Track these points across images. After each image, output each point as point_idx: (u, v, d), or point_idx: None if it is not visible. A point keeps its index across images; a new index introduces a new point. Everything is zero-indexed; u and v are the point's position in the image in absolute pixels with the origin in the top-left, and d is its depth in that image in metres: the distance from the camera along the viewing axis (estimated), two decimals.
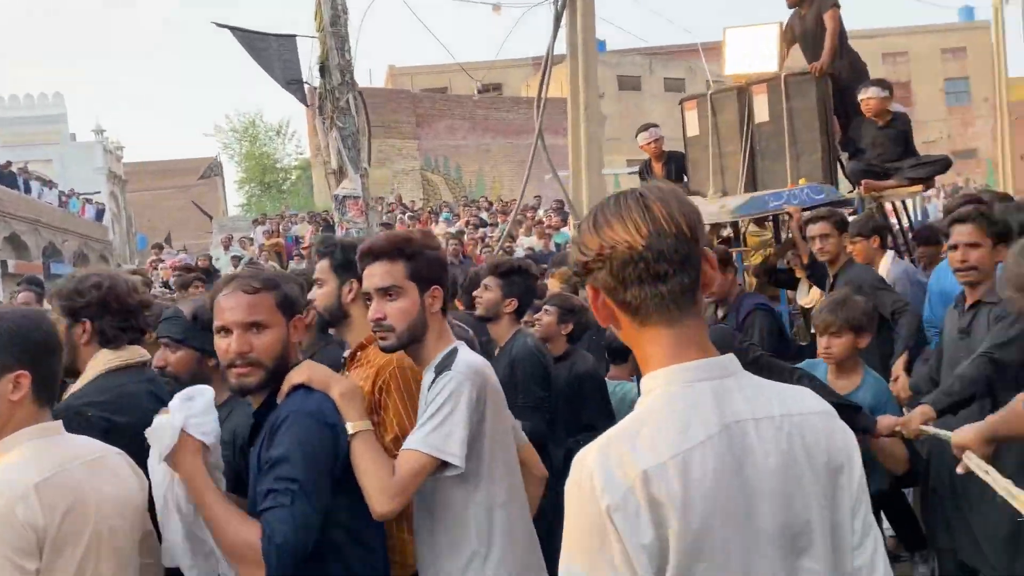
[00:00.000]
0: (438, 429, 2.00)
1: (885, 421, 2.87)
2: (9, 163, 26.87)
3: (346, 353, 2.63)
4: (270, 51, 7.05)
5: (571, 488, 1.15)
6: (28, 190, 27.60)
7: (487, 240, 14.24)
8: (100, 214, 34.27)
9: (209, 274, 11.09)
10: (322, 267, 2.57)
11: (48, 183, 30.42)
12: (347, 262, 2.49)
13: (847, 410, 2.79)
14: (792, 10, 6.65)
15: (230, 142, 41.40)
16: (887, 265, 4.85)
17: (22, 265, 24.71)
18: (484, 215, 18.86)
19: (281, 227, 19.57)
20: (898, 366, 4.06)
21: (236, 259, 15.86)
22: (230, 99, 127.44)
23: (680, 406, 1.17)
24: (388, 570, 2.17)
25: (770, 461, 1.17)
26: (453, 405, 2.02)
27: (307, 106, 7.84)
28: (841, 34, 6.30)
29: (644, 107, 29.23)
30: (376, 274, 2.15)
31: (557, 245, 12.55)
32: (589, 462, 1.14)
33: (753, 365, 2.72)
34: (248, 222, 25.94)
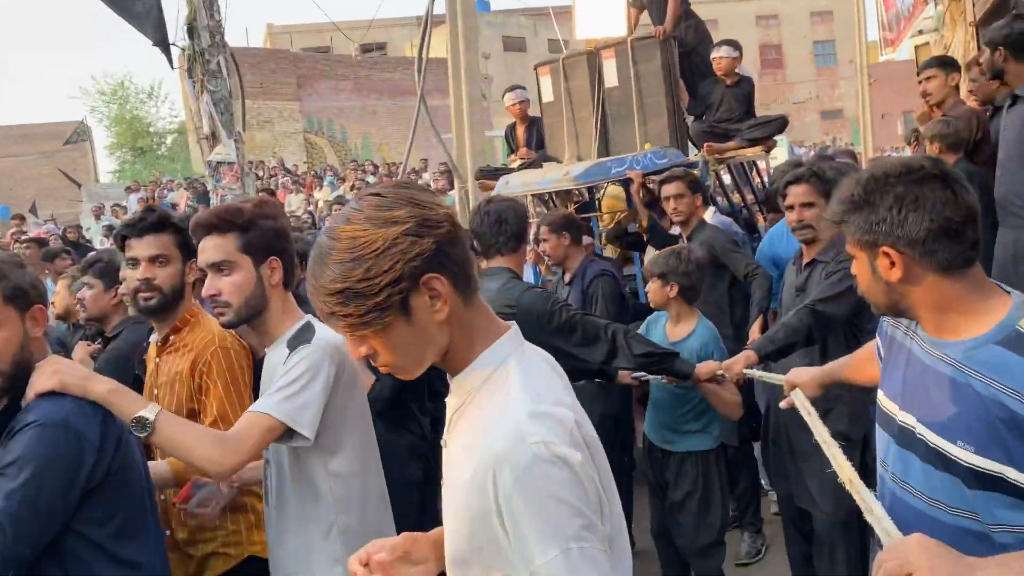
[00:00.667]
0: (292, 398, 1.96)
1: (706, 367, 2.99)
2: None
3: (153, 338, 2.55)
4: (137, 8, 6.73)
5: (534, 465, 1.13)
6: None
7: None
8: None
9: (77, 246, 10.60)
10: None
11: None
12: (188, 241, 2.37)
13: (665, 358, 2.95)
14: None
15: (98, 105, 39.07)
16: (708, 221, 4.88)
17: None
18: (370, 179, 18.64)
19: (156, 194, 18.78)
20: (754, 329, 4.12)
21: (108, 228, 15.17)
22: (96, 62, 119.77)
23: (537, 366, 1.32)
24: None
25: None
26: (310, 378, 1.99)
27: (172, 68, 7.52)
28: None
29: (529, 68, 29.31)
30: (207, 249, 2.08)
31: None
32: (539, 433, 1.15)
33: (567, 324, 2.86)
34: (121, 189, 24.70)
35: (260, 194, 9.41)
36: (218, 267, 2.07)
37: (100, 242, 12.96)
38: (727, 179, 7.21)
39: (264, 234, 2.09)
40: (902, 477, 1.63)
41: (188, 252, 2.42)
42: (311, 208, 15.65)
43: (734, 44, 6.11)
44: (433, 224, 1.22)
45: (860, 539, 3.12)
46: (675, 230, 4.79)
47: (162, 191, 19.35)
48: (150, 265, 2.41)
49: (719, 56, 6.05)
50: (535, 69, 7.26)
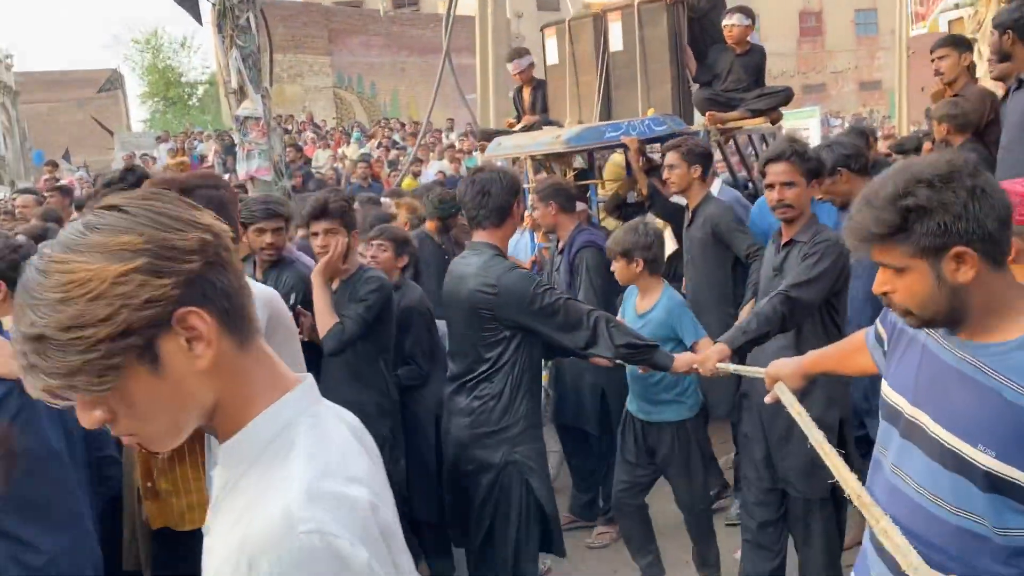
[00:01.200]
0: None
1: (682, 361, 2.95)
2: None
3: None
4: None
5: (301, 562, 0.88)
6: None
7: (398, 164, 14.20)
8: None
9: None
10: None
11: None
12: None
13: (644, 350, 2.94)
14: None
15: (131, 54, 39.28)
16: (714, 194, 4.68)
17: None
18: (396, 136, 18.68)
19: (186, 145, 18.96)
20: (745, 311, 3.98)
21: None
22: (131, 10, 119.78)
23: (333, 431, 1.06)
24: None
25: None
26: None
27: (200, 24, 7.58)
28: None
29: None
30: None
31: (467, 169, 12.65)
32: (315, 520, 0.90)
33: (549, 308, 2.85)
34: (152, 138, 24.94)
35: (284, 149, 9.50)
36: None
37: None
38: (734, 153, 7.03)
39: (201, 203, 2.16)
40: (903, 469, 1.63)
41: None
42: (336, 164, 15.74)
43: (747, 12, 5.87)
44: (178, 257, 0.92)
45: (836, 516, 3.15)
46: (682, 200, 4.65)
47: (192, 142, 19.52)
48: None
49: (731, 24, 5.81)
50: (541, 30, 7.08)
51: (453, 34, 9.69)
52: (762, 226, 4.28)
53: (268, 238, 3.61)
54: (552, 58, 6.80)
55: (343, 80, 30.00)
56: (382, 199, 6.89)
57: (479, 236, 3.05)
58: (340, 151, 17.74)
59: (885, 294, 1.57)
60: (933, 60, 4.58)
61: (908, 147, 6.37)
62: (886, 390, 1.71)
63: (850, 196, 3.49)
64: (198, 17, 7.25)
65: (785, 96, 5.91)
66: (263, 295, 2.13)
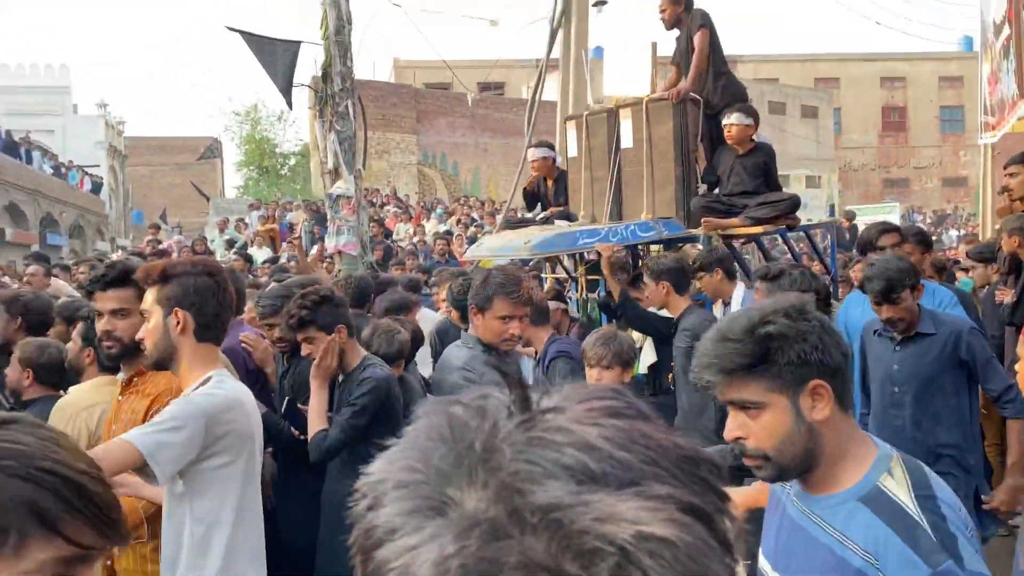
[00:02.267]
0: (156, 434, 2.08)
1: None
2: (9, 132, 27.04)
3: (120, 376, 2.78)
4: (275, 55, 7.44)
5: None
6: (29, 160, 27.83)
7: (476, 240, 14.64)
8: (97, 187, 34.47)
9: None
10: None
11: (49, 154, 30.66)
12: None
13: None
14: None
15: (231, 124, 41.71)
16: (739, 297, 4.57)
17: (20, 234, 24.97)
18: (475, 214, 19.28)
19: (276, 213, 19.95)
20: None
21: (230, 242, 16.27)
22: (235, 84, 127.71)
23: None
24: None
25: None
26: (180, 423, 2.10)
27: (290, 108, 8.21)
28: (715, 56, 5.85)
29: None
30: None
31: None
32: None
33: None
34: (244, 205, 26.26)
35: (370, 224, 10.01)
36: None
37: (222, 255, 13.94)
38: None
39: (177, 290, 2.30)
40: None
41: None
42: (416, 239, 16.36)
43: (748, 110, 5.60)
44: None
45: None
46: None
47: (282, 211, 20.51)
48: (112, 317, 2.63)
49: (729, 123, 5.52)
50: (564, 122, 7.06)
51: (537, 118, 10.11)
52: (843, 321, 4.17)
53: (277, 332, 3.77)
54: (572, 150, 6.70)
55: (428, 157, 31.23)
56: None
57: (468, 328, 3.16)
58: (421, 225, 18.42)
59: (738, 440, 1.48)
60: (1004, 176, 4.70)
61: (986, 255, 6.36)
62: (760, 555, 1.67)
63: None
64: (289, 104, 7.85)
65: (791, 204, 5.55)
66: (229, 399, 2.26)
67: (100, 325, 2.64)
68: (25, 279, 7.13)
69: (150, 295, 2.30)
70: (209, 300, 2.30)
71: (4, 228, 24.08)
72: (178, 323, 2.26)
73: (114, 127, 38.29)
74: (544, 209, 7.05)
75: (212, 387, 2.23)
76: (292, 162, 41.77)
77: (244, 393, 2.36)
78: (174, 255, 10.85)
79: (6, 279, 11.94)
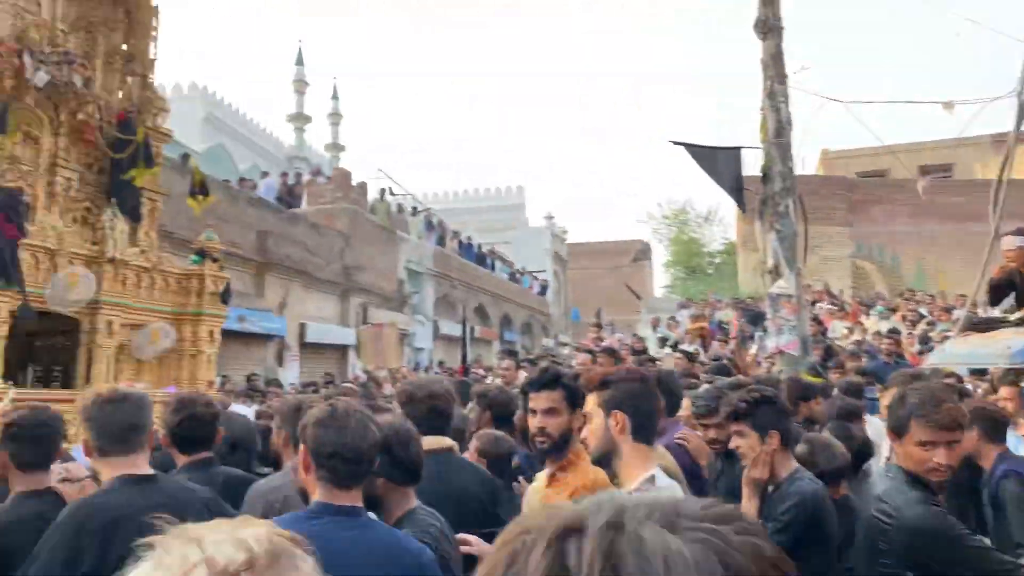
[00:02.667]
0: None
1: None
2: (480, 245, 32.02)
3: (545, 472, 2.94)
4: (716, 161, 7.76)
5: None
6: (492, 268, 32.54)
7: (930, 340, 13.23)
8: (544, 290, 38.74)
9: (639, 354, 12.08)
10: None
11: (506, 262, 35.45)
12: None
13: None
14: None
15: (660, 227, 43.98)
16: None
17: (485, 331, 29.12)
18: (923, 310, 17.46)
19: (706, 311, 20.29)
20: None
21: (662, 340, 16.91)
22: (662, 190, 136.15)
23: None
24: None
25: None
26: None
27: (744, 212, 8.35)
28: None
29: None
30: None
31: None
32: None
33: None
34: (672, 303, 27.25)
35: (809, 323, 9.63)
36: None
37: (654, 350, 14.52)
38: None
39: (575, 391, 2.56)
40: None
41: (575, 404, 2.85)
42: (854, 337, 15.29)
43: None
44: None
45: None
46: None
47: (711, 309, 20.81)
48: (544, 416, 2.87)
49: None
50: None
51: (1004, 201, 8.94)
52: None
53: (711, 432, 3.90)
54: None
55: (862, 250, 29.34)
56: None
57: None
58: (860, 322, 17.21)
59: None
60: None
61: None
62: None
63: None
64: (742, 206, 8.02)
65: None
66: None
67: (533, 422, 2.93)
68: (499, 372, 8.16)
69: (592, 399, 2.55)
70: (643, 403, 2.52)
71: (475, 326, 28.17)
72: (617, 424, 2.48)
73: (558, 236, 42.90)
74: (1020, 305, 6.28)
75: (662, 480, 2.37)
76: (718, 260, 42.43)
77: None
78: (618, 351, 11.57)
79: (480, 371, 13.87)
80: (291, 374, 16.49)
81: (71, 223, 6.61)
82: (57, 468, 3.08)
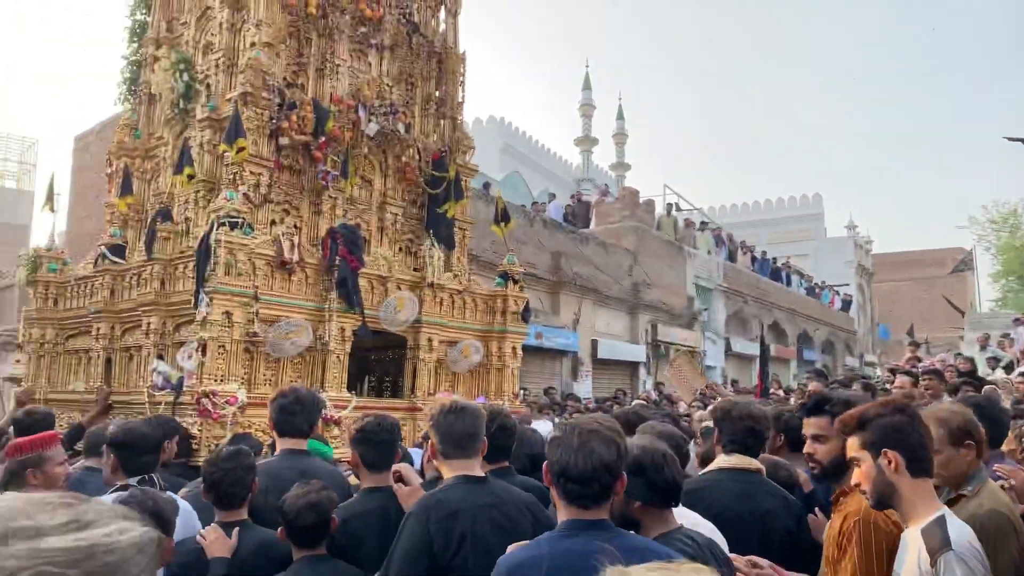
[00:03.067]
0: None
1: None
2: (774, 258, 30.70)
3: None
4: None
5: None
6: (788, 282, 30.97)
7: None
8: (847, 305, 36.07)
9: (967, 376, 10.82)
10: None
11: (804, 276, 33.57)
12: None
13: None
14: None
15: (986, 233, 38.97)
16: None
17: (781, 349, 27.77)
18: None
19: None
20: None
21: (993, 360, 14.89)
22: (991, 192, 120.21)
23: None
24: None
25: None
26: None
27: None
28: None
29: None
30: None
31: None
32: None
33: None
34: (1003, 319, 24.00)
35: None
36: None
37: (983, 371, 12.86)
38: None
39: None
40: None
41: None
42: None
43: None
44: None
45: None
46: None
47: None
48: (813, 442, 2.99)
49: None
50: None
51: None
52: None
53: None
54: None
55: None
56: None
57: None
58: None
59: None
60: None
61: None
62: None
63: None
64: None
65: None
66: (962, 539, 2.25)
67: (806, 448, 3.05)
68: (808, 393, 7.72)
69: (853, 442, 2.45)
70: (911, 435, 2.39)
71: (770, 344, 27.00)
72: (890, 463, 2.36)
73: (862, 246, 39.79)
74: None
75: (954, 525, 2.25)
76: None
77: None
78: (942, 372, 10.48)
79: (779, 392, 13.33)
80: (584, 389, 17.00)
81: (397, 253, 7.50)
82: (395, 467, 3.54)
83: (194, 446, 5.58)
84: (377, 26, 7.47)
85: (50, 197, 7.51)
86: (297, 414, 3.80)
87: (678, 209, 26.24)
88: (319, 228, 6.84)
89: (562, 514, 2.19)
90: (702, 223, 26.40)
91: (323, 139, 6.80)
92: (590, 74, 44.24)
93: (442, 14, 8.28)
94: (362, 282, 6.76)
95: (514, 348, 7.90)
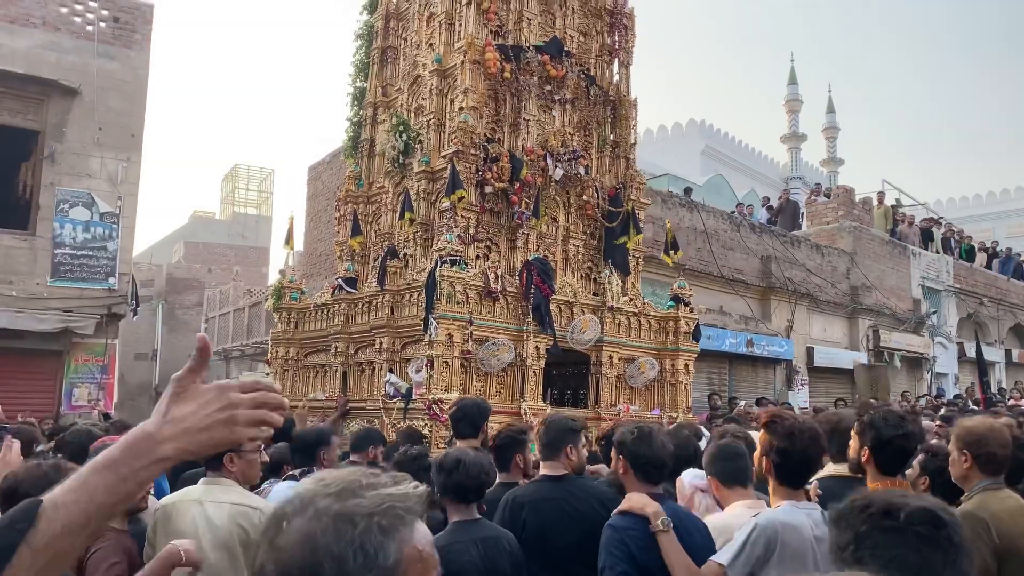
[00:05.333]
0: None
1: None
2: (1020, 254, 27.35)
3: None
4: None
5: None
6: None
7: None
8: None
9: None
10: None
11: None
12: None
13: None
14: None
15: None
16: None
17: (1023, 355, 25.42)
18: None
19: None
20: None
21: None
22: None
23: None
24: None
25: None
26: None
27: None
28: None
29: None
30: None
31: None
32: None
33: None
34: None
35: None
36: None
37: None
38: None
39: None
40: None
41: None
42: None
43: None
44: None
45: None
46: None
47: None
48: None
49: None
50: None
51: None
52: None
53: None
54: None
55: None
56: None
57: None
58: None
59: None
60: None
61: None
62: None
63: None
64: None
65: None
66: None
67: None
68: None
69: None
70: None
71: (1011, 349, 24.90)
72: None
73: None
74: None
75: None
76: None
77: None
78: None
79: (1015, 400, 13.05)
80: (801, 398, 16.40)
81: (580, 280, 8.54)
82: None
83: (425, 443, 6.82)
84: (560, 83, 8.56)
85: (290, 236, 9.07)
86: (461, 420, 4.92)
87: (900, 205, 24.48)
88: (515, 261, 7.99)
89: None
90: (926, 220, 24.57)
91: (518, 185, 7.96)
92: (795, 68, 42.85)
93: (615, 66, 9.28)
94: (552, 307, 7.84)
95: (686, 365, 8.75)
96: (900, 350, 19.48)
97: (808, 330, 17.33)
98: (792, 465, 2.87)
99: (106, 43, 12.66)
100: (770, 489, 2.97)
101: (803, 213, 20.85)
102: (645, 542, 2.83)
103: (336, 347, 8.30)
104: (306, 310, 8.98)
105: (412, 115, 8.66)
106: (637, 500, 2.95)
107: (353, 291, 8.38)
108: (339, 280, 8.52)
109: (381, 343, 7.80)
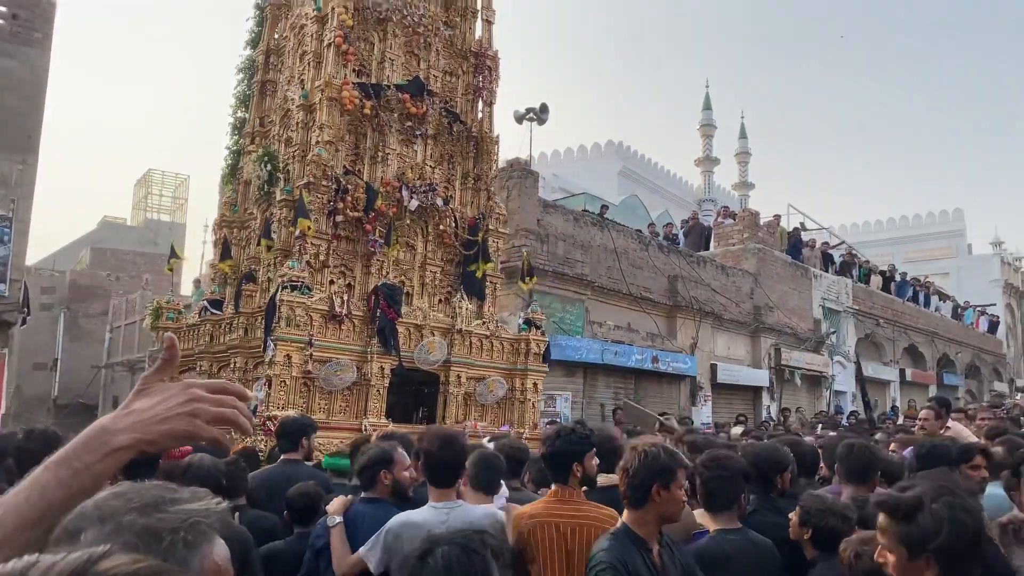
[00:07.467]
0: None
1: None
2: (914, 278, 28.97)
3: None
4: None
5: None
6: (926, 303, 29.34)
7: None
8: (994, 327, 34.16)
9: None
10: None
11: (944, 296, 32.06)
12: None
13: None
14: None
15: None
16: None
17: (918, 374, 26.52)
18: None
19: None
20: None
21: None
22: None
23: None
24: None
25: None
26: None
27: None
28: None
29: None
30: None
31: None
32: None
33: None
34: None
35: None
36: None
37: None
38: None
39: None
40: None
41: None
42: None
43: None
44: None
45: None
46: None
47: None
48: None
49: None
50: None
51: None
52: None
53: None
54: None
55: None
56: None
57: None
58: None
59: None
60: None
61: None
62: None
63: None
64: None
65: None
66: None
67: None
68: (921, 421, 7.01)
69: None
70: None
71: (905, 368, 26.01)
72: None
73: (1009, 264, 37.52)
74: None
75: None
76: None
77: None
78: None
79: (900, 420, 13.61)
80: (704, 414, 16.89)
81: (436, 304, 9.11)
82: None
83: (260, 457, 7.40)
84: (422, 119, 9.13)
85: (173, 258, 9.70)
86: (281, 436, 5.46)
87: (804, 229, 25.48)
88: (369, 286, 8.56)
89: None
90: (826, 243, 25.58)
91: (372, 215, 8.53)
92: (710, 94, 43.95)
93: (479, 105, 9.84)
94: (401, 329, 8.40)
95: (535, 384, 9.30)
96: (800, 368, 20.32)
97: (712, 347, 17.91)
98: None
99: (3, 40, 12.27)
100: None
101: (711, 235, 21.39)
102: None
103: (200, 366, 8.91)
104: (180, 329, 9.59)
105: (283, 146, 9.25)
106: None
107: (218, 312, 8.99)
108: (204, 302, 9.14)
109: (235, 363, 8.40)
